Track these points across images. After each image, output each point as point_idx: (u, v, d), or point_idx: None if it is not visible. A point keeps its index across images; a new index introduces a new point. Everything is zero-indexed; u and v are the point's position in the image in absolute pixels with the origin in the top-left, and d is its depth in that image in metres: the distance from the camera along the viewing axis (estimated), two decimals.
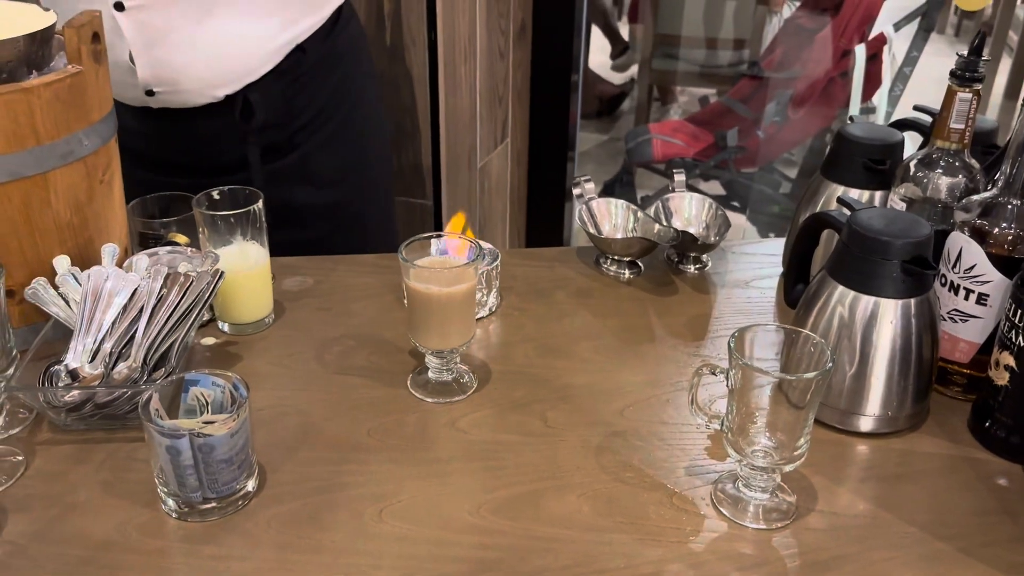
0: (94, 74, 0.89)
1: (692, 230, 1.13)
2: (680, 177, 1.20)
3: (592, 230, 1.13)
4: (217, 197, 0.97)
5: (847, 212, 0.87)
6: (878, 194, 1.02)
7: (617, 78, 4.54)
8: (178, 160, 1.23)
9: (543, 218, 2.64)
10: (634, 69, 4.47)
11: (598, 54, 4.36)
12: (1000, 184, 0.84)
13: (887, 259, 0.81)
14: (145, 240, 1.05)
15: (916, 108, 1.09)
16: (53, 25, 0.88)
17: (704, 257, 1.14)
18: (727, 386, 0.73)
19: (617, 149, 4.03)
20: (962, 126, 0.90)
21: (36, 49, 0.86)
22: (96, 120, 0.90)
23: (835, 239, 0.87)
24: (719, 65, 3.45)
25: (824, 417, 0.85)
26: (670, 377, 0.93)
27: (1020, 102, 0.81)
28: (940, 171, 0.93)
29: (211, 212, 0.95)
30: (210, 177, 1.18)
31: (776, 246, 1.19)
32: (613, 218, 1.17)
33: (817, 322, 0.85)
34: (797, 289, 0.97)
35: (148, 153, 1.22)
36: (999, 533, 0.74)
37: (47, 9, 0.93)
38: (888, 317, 0.82)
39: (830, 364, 0.70)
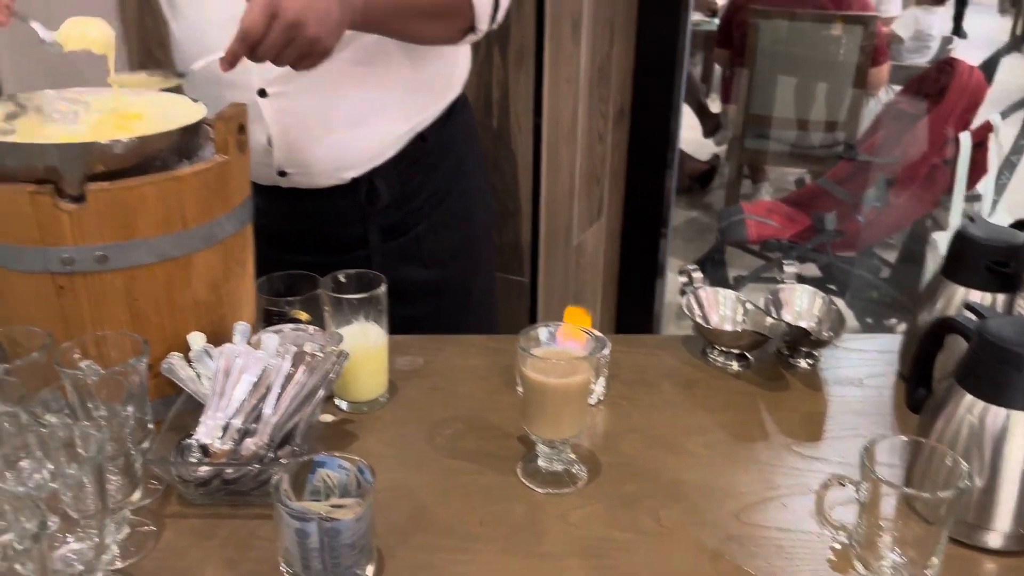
0: (238, 162, 0.95)
1: (804, 324, 1.12)
2: (791, 269, 1.19)
3: (700, 320, 1.13)
4: (343, 280, 1.01)
5: (975, 318, 0.85)
6: (1001, 297, 0.99)
7: (705, 154, 4.56)
8: (300, 237, 1.29)
9: (635, 293, 2.64)
10: (722, 145, 4.49)
11: (686, 130, 4.40)
12: None
13: (1020, 370, 0.78)
14: (269, 316, 1.10)
15: None
16: (204, 118, 0.94)
17: (815, 352, 1.13)
18: (857, 499, 0.71)
19: (705, 225, 4.03)
20: None
21: (187, 139, 0.92)
22: (236, 205, 0.95)
23: (958, 342, 0.85)
24: (812, 146, 3.43)
25: (955, 532, 0.82)
26: (786, 480, 0.91)
27: None
28: None
29: (337, 294, 0.98)
30: (329, 254, 1.23)
31: (888, 343, 1.17)
32: (721, 308, 1.16)
33: (945, 431, 0.82)
34: (919, 393, 0.95)
35: (271, 229, 1.27)
36: None
37: (195, 100, 1.00)
38: (1021, 429, 0.79)
39: (966, 483, 0.68)
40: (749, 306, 1.14)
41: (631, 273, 2.61)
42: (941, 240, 2.54)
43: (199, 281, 0.93)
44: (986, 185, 2.69)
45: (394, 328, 1.15)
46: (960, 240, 1.03)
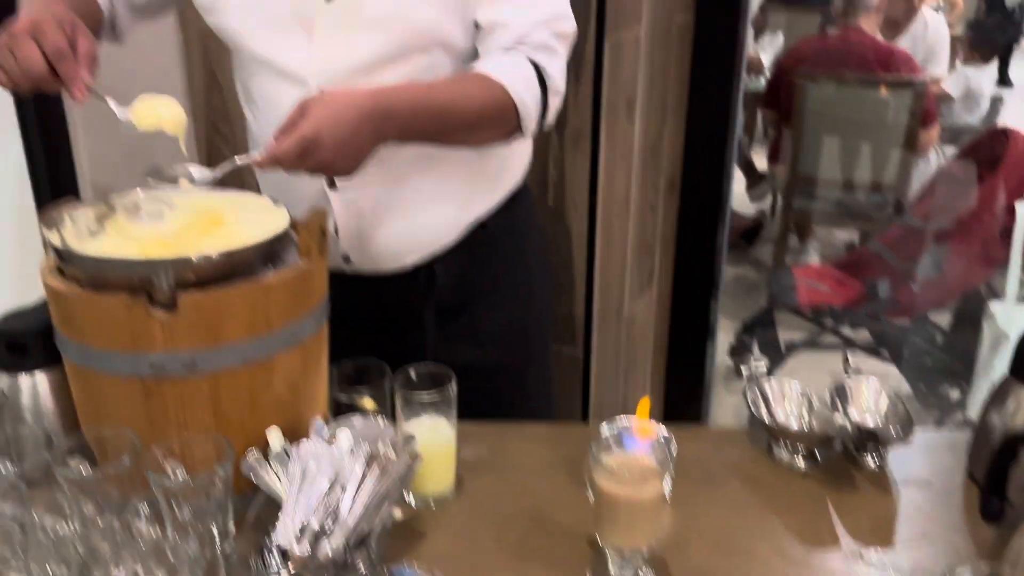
0: (319, 266, 0.98)
1: (871, 422, 1.12)
2: (854, 360, 1.19)
3: (764, 414, 1.13)
4: (414, 377, 1.03)
5: None
6: None
7: (750, 209, 4.56)
8: (358, 318, 1.31)
9: (686, 357, 2.63)
10: (767, 200, 4.48)
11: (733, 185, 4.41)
12: None
13: None
14: (339, 405, 1.12)
15: None
16: (289, 227, 0.98)
17: (883, 450, 1.12)
18: None
19: (753, 282, 4.01)
20: None
21: (273, 247, 0.95)
22: (316, 305, 0.98)
23: None
24: (861, 207, 3.42)
25: None
26: None
27: None
28: None
29: (410, 390, 1.01)
30: (385, 334, 1.25)
31: (956, 440, 1.15)
32: (786, 403, 1.16)
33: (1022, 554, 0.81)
34: (994, 503, 0.94)
35: (331, 310, 1.30)
36: None
37: (276, 201, 1.04)
38: None
39: None
40: (815, 402, 1.14)
41: (682, 337, 2.60)
42: (999, 311, 2.52)
43: (280, 381, 0.96)
44: None
45: None
46: None
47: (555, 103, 1.17)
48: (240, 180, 1.81)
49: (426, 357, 1.07)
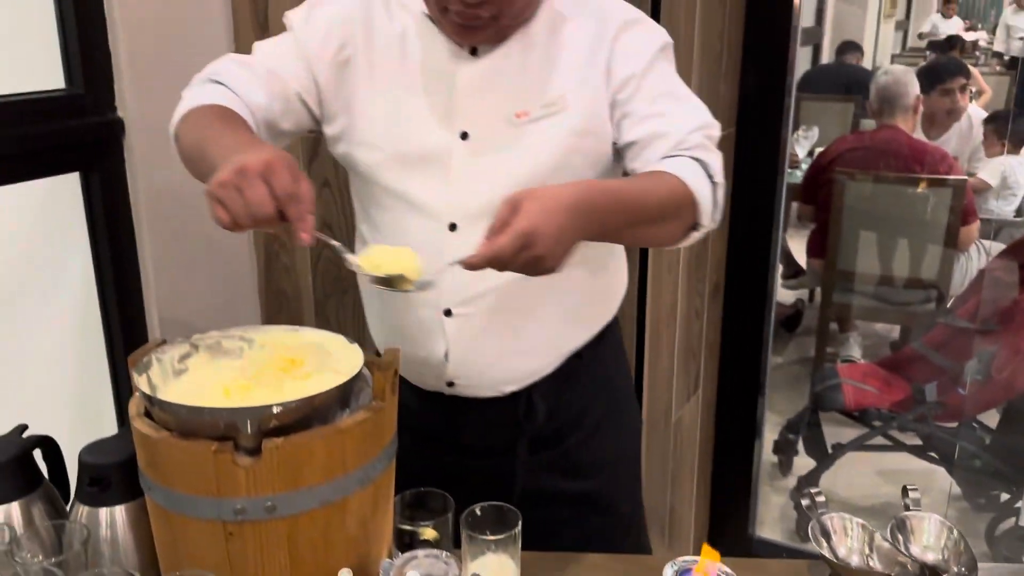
0: (390, 406, 1.01)
1: (932, 558, 1.11)
2: (915, 495, 1.19)
3: (827, 550, 1.13)
4: (479, 514, 1.05)
5: None
6: None
7: (789, 296, 4.55)
8: (451, 440, 1.32)
9: (732, 456, 2.62)
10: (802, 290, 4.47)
11: None
12: None
13: None
14: (400, 534, 1.14)
15: None
16: (363, 368, 1.02)
17: None
18: None
19: (794, 374, 3.98)
20: None
21: (348, 388, 0.99)
22: (387, 444, 1.01)
23: None
24: (902, 302, 3.42)
25: None
26: None
27: None
28: None
29: (475, 533, 1.03)
30: (474, 458, 1.26)
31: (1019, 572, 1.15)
32: (848, 535, 1.16)
33: None
34: None
35: (425, 431, 1.30)
36: None
37: (353, 341, 1.08)
38: None
39: None
40: (877, 538, 1.13)
41: (728, 437, 2.60)
42: None
43: (352, 519, 0.98)
44: None
45: (537, 533, 1.13)
46: None
47: (721, 196, 1.14)
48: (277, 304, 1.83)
49: (515, 484, 1.07)
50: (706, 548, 1.03)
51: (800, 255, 4.11)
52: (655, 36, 1.19)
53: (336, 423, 0.95)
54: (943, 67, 4.11)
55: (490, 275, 0.98)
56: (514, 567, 1.05)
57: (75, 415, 1.81)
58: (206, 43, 1.70)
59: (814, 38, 6.36)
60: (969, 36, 10.55)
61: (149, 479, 0.96)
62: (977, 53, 9.65)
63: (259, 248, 2.03)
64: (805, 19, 5.48)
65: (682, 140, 1.12)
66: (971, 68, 4.62)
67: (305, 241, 0.93)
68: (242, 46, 1.69)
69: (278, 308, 1.88)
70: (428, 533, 1.15)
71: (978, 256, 3.36)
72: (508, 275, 0.98)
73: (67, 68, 1.56)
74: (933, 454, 2.69)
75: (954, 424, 2.72)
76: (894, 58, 8.43)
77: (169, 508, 0.95)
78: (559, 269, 0.97)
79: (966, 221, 3.24)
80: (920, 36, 9.18)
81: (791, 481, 3.01)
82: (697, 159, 1.11)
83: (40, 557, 1.01)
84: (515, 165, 1.16)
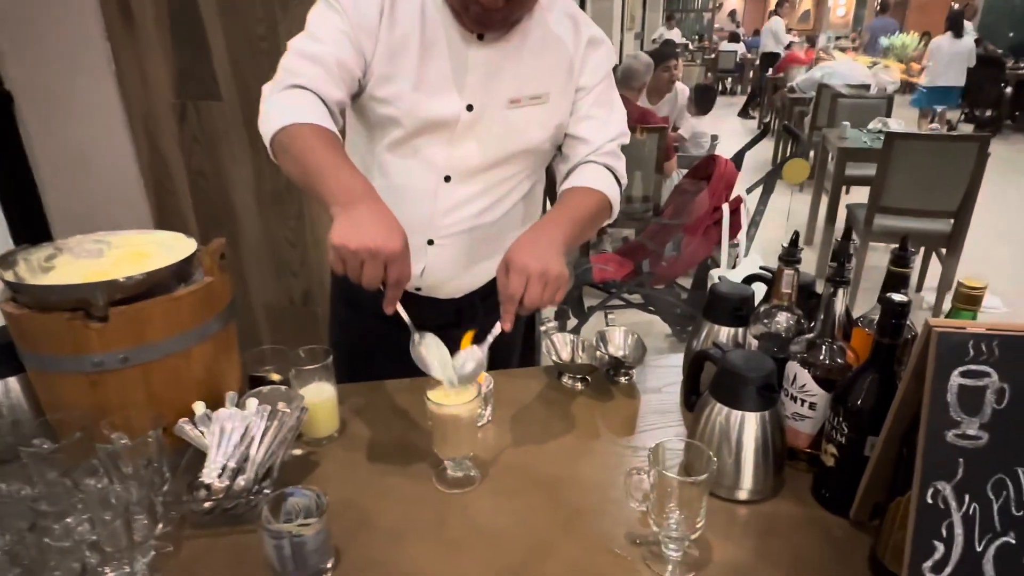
0: (220, 280, 0.94)
1: (620, 355, 1.19)
2: (612, 317, 1.25)
3: (555, 356, 1.18)
4: (303, 355, 1.01)
5: (720, 351, 0.92)
6: (739, 330, 1.08)
7: None
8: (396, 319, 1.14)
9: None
10: None
11: None
12: (817, 329, 0.91)
13: (748, 385, 0.86)
14: (254, 380, 1.09)
15: (761, 268, 1.16)
16: (195, 252, 0.94)
17: (629, 372, 1.19)
18: (648, 481, 0.76)
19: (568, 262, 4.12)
20: (789, 290, 0.97)
21: (182, 268, 0.92)
22: (220, 310, 0.95)
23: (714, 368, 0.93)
24: (636, 213, 3.58)
25: (717, 491, 0.89)
26: (616, 465, 0.96)
27: (825, 280, 0.88)
28: (777, 317, 0.99)
29: (300, 367, 0.99)
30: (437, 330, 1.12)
31: (677, 360, 1.24)
32: (569, 346, 1.22)
33: (705, 427, 0.89)
34: (691, 398, 1.02)
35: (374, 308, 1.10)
36: (835, 567, 0.77)
37: (190, 237, 0.99)
38: (751, 423, 0.86)
39: (713, 469, 0.74)
40: (585, 343, 1.19)
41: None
42: (716, 275, 2.71)
43: (197, 366, 0.92)
44: (742, 236, 2.88)
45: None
46: (712, 294, 1.10)
47: (621, 191, 1.15)
48: (169, 223, 1.68)
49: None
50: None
51: None
52: (611, 59, 1.14)
53: (173, 293, 0.88)
54: (667, 52, 4.31)
55: (467, 216, 0.96)
56: (331, 388, 1.02)
57: None
58: (73, 19, 1.47)
59: None
60: (681, 40, 11.50)
61: (22, 348, 0.86)
62: (686, 52, 10.73)
63: (150, 192, 1.84)
64: None
65: (599, 147, 1.12)
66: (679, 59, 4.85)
67: (388, 312, 0.87)
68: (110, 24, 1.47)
69: None
70: (274, 376, 1.10)
71: (677, 179, 3.56)
72: (482, 216, 0.96)
73: None
74: (651, 308, 2.87)
75: (662, 287, 2.91)
76: None
77: (40, 369, 0.85)
78: (566, 270, 0.93)
79: (668, 156, 3.41)
80: (653, 41, 9.54)
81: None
82: (608, 167, 1.12)
83: None
84: (503, 138, 1.09)
